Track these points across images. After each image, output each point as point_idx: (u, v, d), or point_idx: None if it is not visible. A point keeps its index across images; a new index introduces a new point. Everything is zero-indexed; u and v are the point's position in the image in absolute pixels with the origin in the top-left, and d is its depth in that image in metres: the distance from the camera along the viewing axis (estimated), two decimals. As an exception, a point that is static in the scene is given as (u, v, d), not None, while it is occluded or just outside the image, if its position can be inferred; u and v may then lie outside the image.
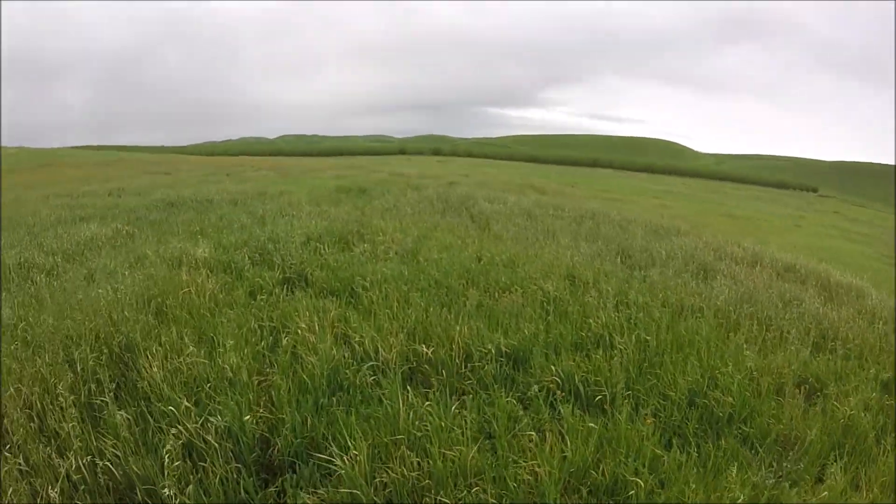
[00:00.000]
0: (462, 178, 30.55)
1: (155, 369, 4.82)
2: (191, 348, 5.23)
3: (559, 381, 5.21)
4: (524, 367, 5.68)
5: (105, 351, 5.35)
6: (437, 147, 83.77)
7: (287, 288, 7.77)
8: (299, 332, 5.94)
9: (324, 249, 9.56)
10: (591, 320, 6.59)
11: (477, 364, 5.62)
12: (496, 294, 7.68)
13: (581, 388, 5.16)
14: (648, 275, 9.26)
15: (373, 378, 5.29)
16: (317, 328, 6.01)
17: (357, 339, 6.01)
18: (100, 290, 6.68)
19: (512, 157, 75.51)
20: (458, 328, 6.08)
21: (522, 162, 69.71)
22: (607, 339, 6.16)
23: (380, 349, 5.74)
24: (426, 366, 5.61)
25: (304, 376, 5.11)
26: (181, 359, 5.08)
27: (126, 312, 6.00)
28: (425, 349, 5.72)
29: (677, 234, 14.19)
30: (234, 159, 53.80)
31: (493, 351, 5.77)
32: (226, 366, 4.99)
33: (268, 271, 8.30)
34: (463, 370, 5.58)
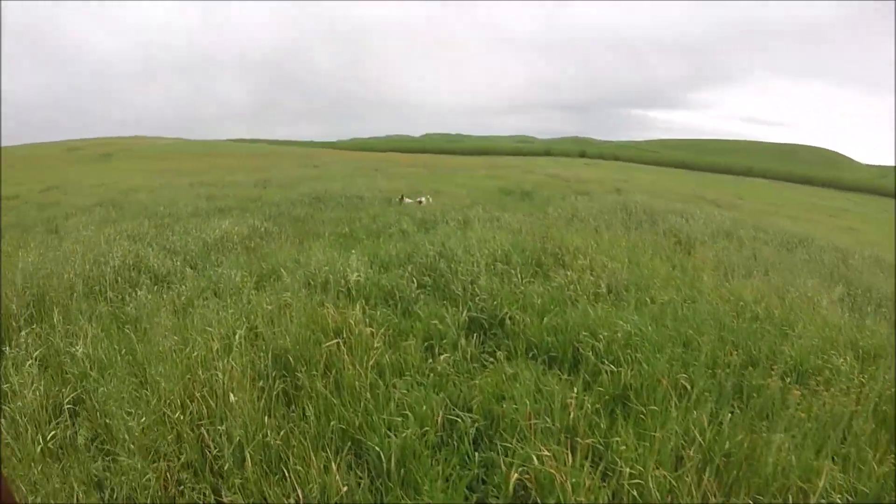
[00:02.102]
0: (622, 183, 27.95)
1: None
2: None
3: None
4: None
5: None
6: (583, 149, 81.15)
7: (477, 338, 5.19)
8: (531, 457, 3.26)
9: (517, 276, 6.88)
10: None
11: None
12: (785, 376, 4.90)
13: None
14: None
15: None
16: (566, 455, 3.32)
17: (628, 473, 3.27)
18: (196, 344, 4.36)
19: (660, 161, 71.09)
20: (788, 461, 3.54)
21: (672, 168, 65.07)
22: None
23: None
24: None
25: None
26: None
27: (234, 391, 3.58)
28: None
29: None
30: (382, 155, 54.66)
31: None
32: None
33: (447, 307, 5.77)
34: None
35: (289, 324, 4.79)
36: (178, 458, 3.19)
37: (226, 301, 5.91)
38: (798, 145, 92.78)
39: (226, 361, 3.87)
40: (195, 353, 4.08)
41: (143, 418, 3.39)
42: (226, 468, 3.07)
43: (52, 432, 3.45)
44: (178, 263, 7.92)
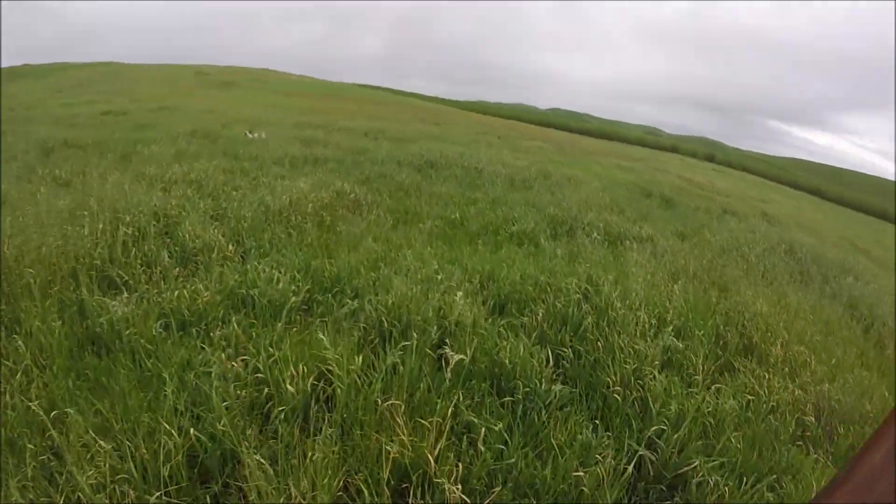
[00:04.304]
0: (763, 205, 23.11)
1: None
2: None
3: None
4: None
5: None
6: (711, 153, 74.13)
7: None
8: None
9: (697, 370, 4.30)
10: None
11: None
12: None
13: None
14: None
15: None
16: None
17: None
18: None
19: (793, 183, 62.71)
20: None
21: (803, 193, 57.44)
22: None
23: None
24: None
25: None
26: None
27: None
28: None
29: None
30: (505, 122, 52.07)
31: None
32: None
33: (598, 427, 3.42)
34: None
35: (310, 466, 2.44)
36: None
37: (242, 336, 3.67)
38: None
39: None
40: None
41: None
42: None
43: None
44: (221, 236, 5.81)
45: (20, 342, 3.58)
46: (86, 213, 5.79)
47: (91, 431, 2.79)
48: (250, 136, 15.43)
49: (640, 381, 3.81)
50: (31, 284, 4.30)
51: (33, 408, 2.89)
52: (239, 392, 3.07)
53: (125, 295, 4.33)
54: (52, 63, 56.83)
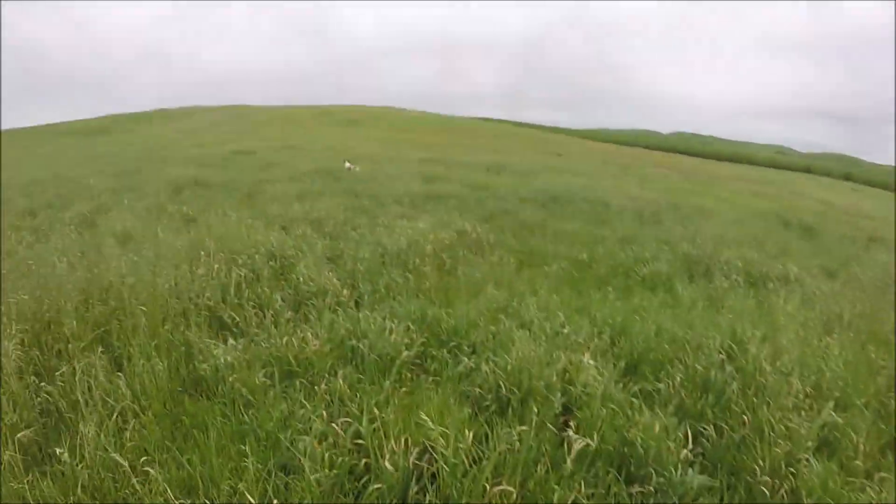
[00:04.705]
0: None
1: None
2: None
3: None
4: None
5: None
6: (849, 172, 66.30)
7: None
8: None
9: (858, 453, 3.48)
10: None
11: None
12: None
13: None
14: None
15: None
16: None
17: None
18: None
19: None
20: None
21: None
22: None
23: None
24: None
25: None
26: None
27: None
28: None
29: None
30: (629, 151, 50.61)
31: None
32: None
33: None
34: None
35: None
36: None
37: (348, 392, 3.42)
38: None
39: None
40: None
41: None
42: None
43: None
44: (336, 279, 5.67)
45: (122, 381, 3.54)
46: (202, 252, 5.87)
47: (171, 489, 2.64)
48: (349, 167, 16.28)
49: (792, 469, 3.15)
50: (141, 323, 4.32)
51: (118, 459, 2.78)
52: (334, 460, 2.80)
53: (232, 341, 4.21)
54: (185, 107, 61.73)
